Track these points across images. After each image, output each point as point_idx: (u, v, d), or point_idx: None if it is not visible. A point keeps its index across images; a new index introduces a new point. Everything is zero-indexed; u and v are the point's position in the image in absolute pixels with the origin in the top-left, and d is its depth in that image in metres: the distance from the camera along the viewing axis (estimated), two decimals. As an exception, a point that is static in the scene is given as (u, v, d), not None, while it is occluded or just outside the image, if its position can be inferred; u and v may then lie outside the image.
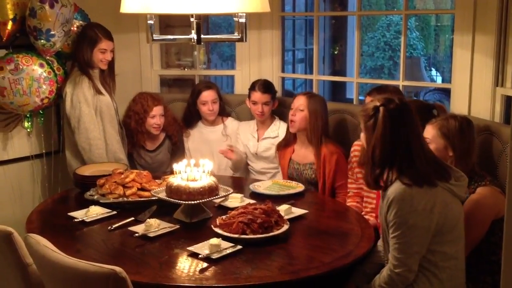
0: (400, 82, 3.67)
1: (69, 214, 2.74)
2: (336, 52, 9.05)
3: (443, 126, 2.54)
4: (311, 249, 2.45)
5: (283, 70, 4.36)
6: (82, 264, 1.88)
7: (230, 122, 3.98)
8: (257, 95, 3.67)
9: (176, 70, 4.59)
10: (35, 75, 3.35)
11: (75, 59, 3.52)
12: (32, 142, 3.72)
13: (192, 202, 2.57)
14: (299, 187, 3.17)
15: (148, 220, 2.55)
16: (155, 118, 3.77)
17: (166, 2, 2.28)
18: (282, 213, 2.60)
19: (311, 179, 3.37)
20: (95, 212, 2.73)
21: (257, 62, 4.19)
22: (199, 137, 3.97)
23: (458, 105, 3.32)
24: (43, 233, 2.25)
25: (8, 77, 3.30)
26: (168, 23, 4.43)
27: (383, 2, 9.51)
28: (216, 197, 2.68)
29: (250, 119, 3.88)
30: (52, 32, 3.30)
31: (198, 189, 2.57)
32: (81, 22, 3.61)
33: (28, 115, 3.53)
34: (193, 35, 2.48)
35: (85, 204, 2.84)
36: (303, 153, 3.43)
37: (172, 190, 2.61)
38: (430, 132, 2.55)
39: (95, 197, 2.89)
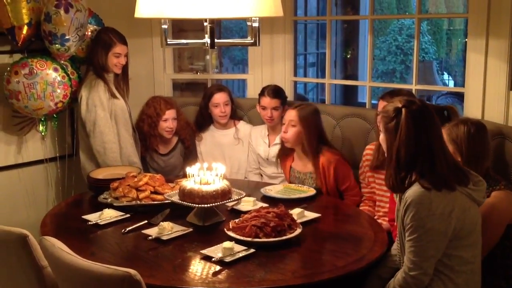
0: (413, 86, 3.66)
1: (83, 217, 2.76)
2: (348, 56, 9.04)
3: (452, 132, 2.53)
4: (324, 253, 2.45)
5: (295, 74, 4.37)
6: (97, 266, 1.89)
7: (242, 125, 3.99)
8: (266, 100, 3.68)
9: (188, 74, 4.61)
10: (49, 79, 3.38)
11: (90, 63, 3.55)
12: (46, 146, 3.75)
13: (205, 205, 2.58)
14: (310, 191, 3.16)
15: (161, 223, 2.56)
16: (168, 121, 3.79)
17: (181, 7, 2.30)
18: (295, 217, 2.60)
19: (312, 187, 3.34)
20: (108, 215, 2.74)
21: (269, 66, 4.20)
22: (211, 140, 3.98)
23: (471, 109, 3.30)
24: (57, 236, 2.26)
25: (23, 81, 3.33)
26: (181, 27, 4.45)
27: (394, 6, 9.50)
28: (229, 200, 2.68)
29: (262, 123, 3.89)
30: (67, 37, 3.34)
31: (211, 193, 2.58)
32: (95, 26, 3.64)
33: (42, 119, 3.56)
34: (207, 39, 2.49)
35: (99, 207, 2.86)
36: (302, 163, 3.40)
37: (185, 194, 2.62)
38: None
39: (109, 200, 2.91)
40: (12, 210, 3.63)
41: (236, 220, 2.54)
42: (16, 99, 3.37)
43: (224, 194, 2.63)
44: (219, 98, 3.85)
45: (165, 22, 2.58)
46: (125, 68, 3.62)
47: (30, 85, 3.34)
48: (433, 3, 9.17)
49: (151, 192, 2.89)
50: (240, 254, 2.28)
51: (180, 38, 4.30)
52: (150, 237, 2.48)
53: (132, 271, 1.83)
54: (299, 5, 7.80)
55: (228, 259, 2.24)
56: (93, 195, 3.11)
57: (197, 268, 2.24)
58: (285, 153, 3.46)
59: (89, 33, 3.61)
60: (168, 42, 2.65)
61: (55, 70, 3.41)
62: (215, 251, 2.30)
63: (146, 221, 2.67)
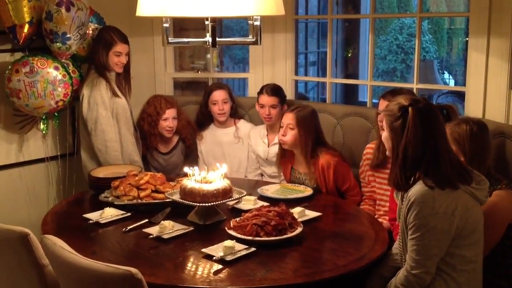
0: (414, 85, 3.66)
1: (84, 215, 2.76)
2: (349, 55, 9.03)
3: (454, 131, 2.52)
4: (325, 251, 2.45)
5: (296, 73, 4.37)
6: (98, 265, 1.90)
7: (242, 124, 3.99)
8: (264, 98, 3.68)
9: (189, 73, 4.61)
10: (50, 78, 3.38)
11: (92, 61, 3.56)
12: (47, 144, 3.75)
13: (206, 204, 2.58)
14: (307, 191, 3.17)
15: (162, 222, 2.56)
16: (168, 121, 3.79)
17: (182, 5, 2.30)
18: (296, 216, 2.60)
19: (313, 188, 3.33)
20: (109, 214, 2.74)
21: (271, 65, 4.20)
22: (211, 139, 3.98)
23: (472, 108, 3.30)
24: (58, 234, 2.26)
25: (24, 79, 3.33)
26: (182, 26, 4.45)
27: (395, 5, 9.49)
28: (230, 199, 2.68)
29: (262, 123, 3.89)
30: (68, 35, 3.34)
31: (212, 192, 2.58)
32: (96, 25, 3.64)
33: (43, 118, 3.56)
34: (208, 38, 2.49)
35: (100, 206, 2.86)
36: (302, 164, 3.38)
37: (186, 192, 2.62)
38: None
39: (110, 199, 2.91)
40: (13, 209, 3.64)
41: (237, 219, 2.54)
42: (17, 97, 3.37)
43: (225, 193, 2.63)
44: (218, 95, 3.86)
45: (166, 21, 2.58)
46: (127, 67, 3.62)
47: (31, 84, 3.34)
48: (434, 2, 9.17)
49: (152, 191, 2.89)
50: (241, 253, 2.28)
51: (181, 37, 4.30)
52: (151, 236, 2.48)
53: (133, 270, 1.83)
54: (300, 4, 7.80)
55: (229, 258, 2.24)
56: (94, 193, 3.11)
57: (198, 267, 2.25)
58: (284, 155, 3.45)
59: (90, 32, 3.61)
60: (170, 41, 2.66)
61: (56, 68, 3.41)
62: (216, 250, 2.30)
63: (147, 220, 2.67)
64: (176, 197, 2.70)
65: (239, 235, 2.40)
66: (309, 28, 8.63)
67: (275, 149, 3.69)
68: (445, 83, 9.23)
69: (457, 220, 2.11)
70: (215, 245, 2.34)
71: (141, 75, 4.05)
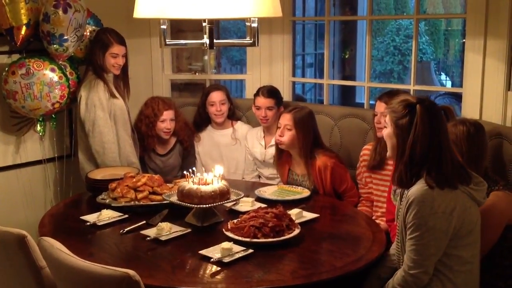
0: (411, 87, 3.66)
1: (81, 217, 2.76)
2: (346, 57, 9.04)
3: (451, 132, 2.53)
4: (323, 253, 2.46)
5: (293, 75, 4.37)
6: (95, 267, 1.89)
7: (239, 126, 3.99)
8: (260, 100, 3.68)
9: (187, 74, 4.61)
10: (46, 79, 3.38)
11: (90, 63, 3.55)
12: (44, 146, 3.75)
13: (204, 206, 2.58)
14: (304, 193, 3.17)
15: (159, 223, 2.56)
16: (165, 122, 3.79)
17: (180, 7, 2.30)
18: (293, 217, 2.60)
19: (310, 189, 3.33)
20: (107, 215, 2.74)
21: (268, 66, 4.21)
22: (209, 140, 3.98)
23: (469, 110, 3.31)
24: (56, 236, 2.26)
25: (20, 81, 3.33)
26: (179, 27, 4.45)
27: (392, 7, 9.51)
28: (228, 201, 2.68)
29: (260, 124, 3.89)
30: (65, 37, 3.33)
31: (210, 193, 2.58)
32: (94, 27, 3.64)
33: (40, 119, 3.56)
34: (206, 40, 2.49)
35: (97, 207, 2.86)
36: (300, 165, 3.38)
37: (184, 194, 2.62)
38: None
39: (107, 200, 2.91)
40: (11, 211, 3.63)
41: (235, 221, 2.54)
42: (13, 99, 3.36)
43: (223, 194, 2.63)
44: (216, 96, 3.86)
45: (163, 23, 2.58)
46: (124, 68, 3.62)
47: (27, 86, 3.34)
48: (431, 3, 9.19)
49: (150, 193, 2.89)
50: (239, 255, 2.28)
51: (178, 39, 4.30)
52: (148, 238, 2.48)
53: (130, 272, 1.83)
54: (298, 6, 7.80)
55: (226, 260, 2.24)
56: (91, 195, 3.11)
57: (196, 268, 2.24)
58: (281, 157, 3.45)
59: (88, 34, 3.61)
60: (167, 43, 2.66)
61: (52, 70, 3.41)
62: (214, 252, 2.30)
63: (144, 222, 2.67)
64: (174, 198, 2.70)
65: (236, 237, 2.40)
66: (306, 29, 8.64)
67: (272, 151, 3.69)
68: (442, 85, 9.25)
69: (455, 220, 2.12)
70: (213, 247, 2.34)
71: (139, 76, 4.05)
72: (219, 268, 2.21)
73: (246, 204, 2.88)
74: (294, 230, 2.47)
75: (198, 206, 2.58)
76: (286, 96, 4.13)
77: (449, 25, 9.67)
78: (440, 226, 2.10)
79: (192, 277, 2.18)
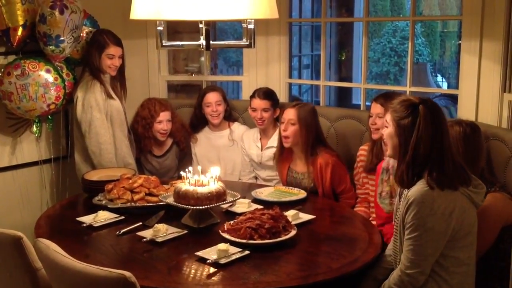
0: (408, 88, 3.67)
1: (77, 219, 2.76)
2: (343, 58, 9.05)
3: None
4: (319, 254, 2.46)
5: (290, 76, 4.37)
6: (91, 269, 1.89)
7: (236, 127, 3.99)
8: (256, 102, 3.68)
9: (183, 76, 4.61)
10: (41, 80, 3.37)
11: (86, 64, 3.55)
12: (40, 147, 3.74)
13: (200, 207, 2.58)
14: (301, 194, 3.17)
15: (156, 225, 2.56)
16: (162, 123, 3.79)
17: (176, 9, 2.30)
18: (290, 219, 2.60)
19: (309, 187, 3.34)
20: (103, 217, 2.74)
21: (264, 68, 4.21)
22: (205, 142, 3.98)
23: (465, 111, 3.32)
24: (52, 238, 2.26)
25: (15, 82, 3.33)
26: (176, 29, 4.45)
27: (389, 8, 9.52)
28: (224, 202, 2.68)
29: (256, 126, 3.89)
30: (62, 38, 3.33)
31: (206, 195, 2.58)
32: (90, 28, 3.64)
33: (36, 120, 3.55)
34: (202, 41, 2.49)
35: (93, 209, 2.85)
36: (300, 163, 3.39)
37: (180, 195, 2.62)
38: None
39: (103, 202, 2.90)
40: (7, 212, 3.62)
41: (231, 222, 2.54)
42: (8, 100, 3.36)
43: (219, 196, 2.63)
44: (211, 97, 3.86)
45: (160, 24, 2.58)
46: (121, 69, 3.61)
47: (22, 86, 3.33)
48: (427, 5, 9.20)
49: (146, 194, 2.89)
50: (235, 256, 2.28)
51: (175, 40, 4.30)
52: (144, 239, 2.48)
53: (126, 273, 1.83)
54: (294, 7, 7.81)
55: (223, 261, 2.24)
56: (87, 197, 3.10)
57: (192, 270, 2.24)
58: (282, 154, 3.46)
59: (84, 35, 3.60)
60: (163, 44, 2.65)
61: (48, 71, 3.40)
62: (210, 253, 2.30)
63: (140, 223, 2.66)
64: (170, 200, 2.70)
65: (233, 238, 2.40)
66: (303, 31, 8.65)
67: (268, 152, 3.70)
68: (438, 86, 9.26)
69: (454, 222, 2.12)
70: (209, 248, 2.34)
71: (135, 78, 4.05)
72: (215, 270, 2.21)
73: (243, 206, 2.88)
74: (291, 231, 2.48)
75: (195, 207, 2.58)
76: (283, 97, 4.13)
77: (445, 27, 9.69)
78: (439, 227, 2.11)
79: (188, 278, 2.18)
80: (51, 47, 3.35)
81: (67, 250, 2.09)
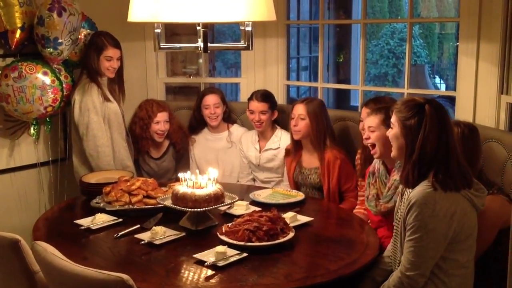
0: (405, 90, 3.68)
1: (75, 221, 2.75)
2: (341, 60, 9.07)
3: None
4: (317, 256, 2.46)
5: (288, 78, 4.38)
6: (89, 271, 1.89)
7: (235, 128, 3.99)
8: (254, 104, 3.69)
9: (181, 78, 4.61)
10: (38, 83, 3.37)
11: (84, 66, 3.55)
12: (39, 150, 3.73)
13: (198, 209, 2.58)
14: (299, 196, 3.17)
15: (154, 227, 2.56)
16: (159, 124, 3.79)
17: (174, 11, 2.30)
18: (288, 221, 2.60)
19: (315, 183, 3.37)
20: (101, 219, 2.73)
21: (262, 69, 4.21)
22: (204, 144, 3.98)
23: (462, 113, 3.32)
24: (50, 240, 2.26)
25: (12, 84, 3.32)
26: (174, 31, 4.45)
27: (387, 10, 9.54)
28: (222, 204, 2.68)
29: (254, 128, 3.89)
30: (60, 40, 3.33)
31: (204, 197, 2.58)
32: (88, 30, 3.64)
33: (34, 123, 3.55)
34: (200, 43, 2.49)
35: (91, 211, 2.85)
36: (308, 158, 3.44)
37: (178, 198, 2.62)
38: None
39: (101, 204, 2.90)
40: (4, 215, 3.61)
41: (229, 224, 2.54)
42: (6, 102, 3.36)
43: (217, 198, 2.62)
44: (210, 99, 3.86)
45: (158, 26, 2.58)
46: (119, 72, 3.62)
47: (19, 89, 3.33)
48: (425, 7, 9.23)
49: (144, 197, 2.89)
50: (233, 258, 2.28)
51: (173, 42, 4.30)
52: (142, 242, 2.48)
53: (124, 276, 1.83)
54: (292, 9, 7.83)
55: (221, 264, 2.24)
56: (85, 199, 3.10)
57: (190, 272, 2.24)
58: (295, 149, 3.49)
59: (82, 37, 3.60)
60: (161, 46, 2.65)
61: (45, 74, 3.40)
62: (208, 256, 2.30)
63: (138, 226, 2.66)
64: (168, 202, 2.70)
65: (231, 241, 2.40)
66: (301, 33, 8.67)
67: (266, 155, 3.70)
68: (437, 88, 9.28)
69: (455, 224, 2.12)
70: (207, 251, 2.34)
71: (133, 80, 4.05)
72: (213, 272, 2.21)
73: (241, 208, 2.88)
74: (289, 233, 2.47)
75: (193, 210, 2.58)
76: (281, 99, 4.14)
77: (443, 29, 9.71)
78: (440, 229, 2.11)
79: (186, 281, 2.18)
80: (49, 49, 3.35)
81: (65, 252, 2.09)
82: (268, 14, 2.49)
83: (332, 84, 8.37)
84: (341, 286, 2.29)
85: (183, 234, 2.57)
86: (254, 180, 3.86)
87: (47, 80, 3.41)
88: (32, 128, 3.57)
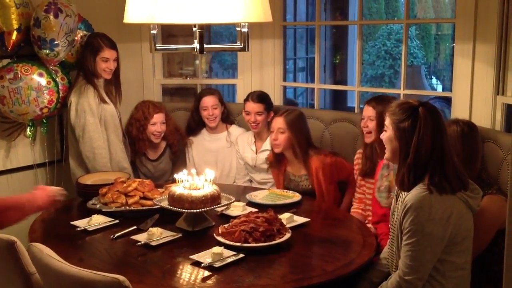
0: (402, 91, 3.68)
1: (71, 223, 2.74)
2: (337, 61, 9.08)
3: None
4: (314, 257, 2.46)
5: (284, 79, 4.38)
6: (85, 273, 1.88)
7: (234, 129, 3.99)
8: (250, 105, 3.69)
9: (178, 79, 4.61)
10: (34, 84, 3.37)
11: (81, 68, 3.55)
12: (35, 151, 3.73)
13: (195, 210, 2.57)
14: (295, 197, 3.17)
15: (150, 229, 2.55)
16: (156, 125, 3.79)
17: (170, 12, 2.30)
18: (284, 222, 2.60)
19: (308, 189, 3.37)
20: (97, 221, 2.73)
21: (259, 71, 4.21)
22: (203, 144, 3.98)
23: (459, 114, 3.32)
24: (46, 242, 2.25)
25: (8, 86, 3.32)
26: (170, 32, 4.45)
27: (383, 11, 9.55)
28: (218, 205, 2.68)
29: (250, 129, 3.89)
30: (56, 42, 3.33)
31: (200, 198, 2.58)
32: (85, 32, 3.64)
33: (30, 124, 3.54)
34: (196, 45, 2.49)
35: (88, 213, 2.84)
36: (295, 166, 3.43)
37: (175, 199, 2.62)
38: None
39: (98, 206, 2.89)
40: (0, 216, 3.60)
41: (226, 225, 2.54)
42: (1, 103, 3.36)
43: (214, 199, 2.62)
44: (208, 101, 3.86)
45: (154, 28, 2.57)
46: (116, 73, 3.61)
47: (15, 90, 3.33)
48: (422, 8, 9.25)
49: (140, 198, 2.88)
50: (230, 259, 2.28)
51: (169, 43, 4.30)
52: (139, 243, 2.47)
53: (121, 278, 1.83)
54: (289, 10, 7.84)
55: (217, 265, 2.24)
56: (82, 201, 3.10)
57: (186, 273, 2.24)
58: (277, 160, 3.47)
59: (79, 39, 3.60)
60: (157, 47, 2.65)
61: (40, 75, 3.40)
62: (204, 257, 2.30)
63: (135, 227, 2.66)
64: (165, 203, 2.69)
65: (227, 242, 2.40)
66: (298, 34, 8.68)
67: (262, 156, 3.70)
68: (433, 89, 9.30)
69: (451, 227, 2.12)
70: (203, 252, 2.34)
71: (130, 81, 4.05)
72: (210, 273, 2.20)
73: (237, 209, 2.88)
74: (285, 234, 2.47)
75: (189, 211, 2.58)
76: (277, 100, 4.14)
77: (439, 30, 9.74)
78: (437, 232, 2.10)
79: (183, 282, 2.18)
80: (45, 50, 3.35)
81: (61, 254, 2.08)
82: (265, 15, 2.49)
83: (329, 85, 8.39)
84: (338, 287, 2.30)
85: (180, 235, 2.57)
86: (250, 181, 3.87)
87: (43, 81, 3.40)
88: (28, 130, 3.57)
